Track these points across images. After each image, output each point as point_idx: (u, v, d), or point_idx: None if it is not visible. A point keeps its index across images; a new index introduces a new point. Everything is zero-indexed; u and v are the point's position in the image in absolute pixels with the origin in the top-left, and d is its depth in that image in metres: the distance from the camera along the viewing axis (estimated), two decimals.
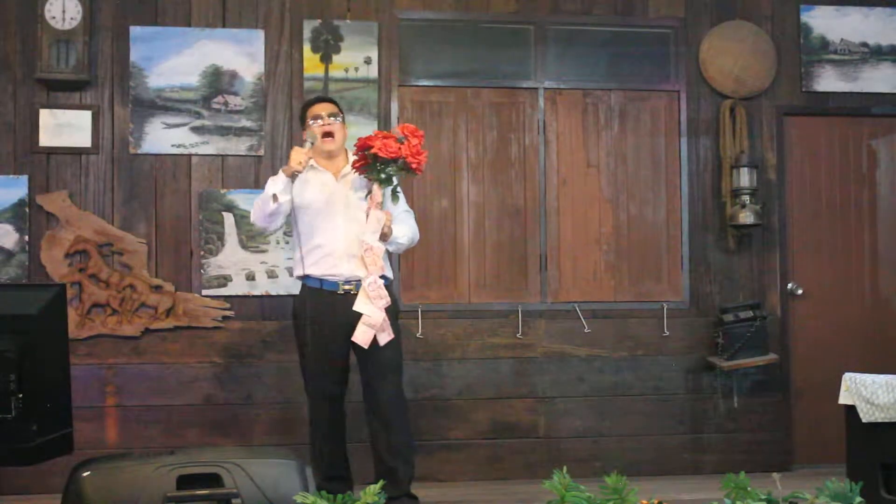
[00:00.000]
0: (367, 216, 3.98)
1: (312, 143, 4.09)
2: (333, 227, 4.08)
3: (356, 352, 4.08)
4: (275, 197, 3.99)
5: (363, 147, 3.97)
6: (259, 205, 4.10)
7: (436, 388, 5.20)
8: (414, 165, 3.97)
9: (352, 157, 4.11)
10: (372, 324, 3.97)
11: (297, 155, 3.99)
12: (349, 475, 4.19)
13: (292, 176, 4.00)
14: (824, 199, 5.70)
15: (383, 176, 3.96)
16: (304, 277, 4.14)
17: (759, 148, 5.59)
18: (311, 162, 4.12)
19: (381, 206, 4.00)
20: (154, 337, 5.07)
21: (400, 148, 3.92)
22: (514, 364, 5.33)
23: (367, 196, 4.02)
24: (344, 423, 4.18)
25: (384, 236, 4.00)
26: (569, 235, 5.44)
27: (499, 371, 5.32)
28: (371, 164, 3.97)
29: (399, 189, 4.09)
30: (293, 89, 5.27)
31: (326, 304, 4.06)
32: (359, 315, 3.99)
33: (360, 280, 4.03)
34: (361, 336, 3.97)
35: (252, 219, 4.24)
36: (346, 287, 4.05)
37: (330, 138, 4.15)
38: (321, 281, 4.09)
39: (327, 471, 4.10)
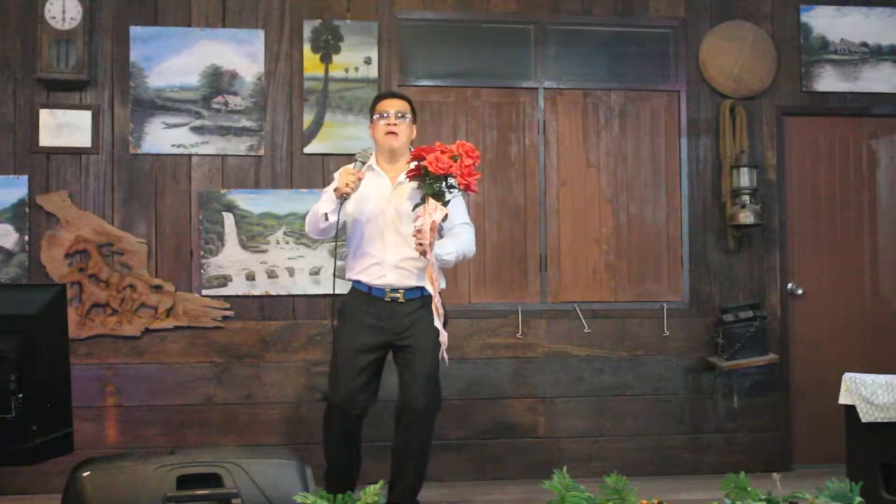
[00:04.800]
0: (416, 226, 3.85)
1: (364, 164, 4.00)
2: (382, 237, 4.03)
3: (398, 359, 4.06)
4: (326, 216, 3.96)
5: (417, 157, 3.89)
6: (312, 219, 4.06)
7: None
8: (462, 185, 3.86)
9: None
10: (443, 342, 3.91)
11: (346, 177, 3.91)
12: (356, 475, 4.15)
13: (342, 198, 3.92)
14: (824, 199, 5.70)
15: (431, 190, 3.85)
16: (355, 282, 4.11)
17: (759, 148, 5.59)
18: (372, 163, 4.07)
19: (443, 219, 3.87)
20: (154, 337, 5.07)
21: (451, 165, 3.81)
22: (514, 364, 5.34)
23: (415, 207, 3.91)
24: (359, 431, 4.09)
25: (423, 254, 3.87)
26: (569, 235, 5.45)
27: (499, 371, 5.32)
28: (422, 176, 3.88)
29: (447, 206, 3.92)
30: (293, 89, 5.27)
31: (373, 308, 4.03)
32: (403, 321, 4.00)
33: (406, 288, 4.01)
34: (445, 358, 3.95)
35: (306, 229, 4.19)
36: (393, 294, 4.02)
37: (394, 136, 4.08)
38: (370, 287, 4.05)
39: (336, 466, 4.07)
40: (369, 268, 4.04)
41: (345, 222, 4.10)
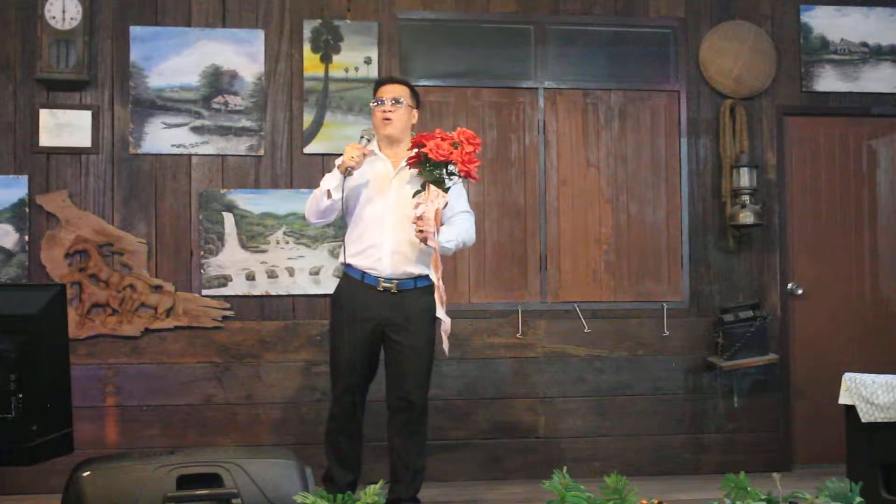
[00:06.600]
0: (416, 213, 3.84)
1: (369, 140, 4.01)
2: (381, 220, 4.00)
3: (387, 351, 4.05)
4: (329, 193, 3.93)
5: (417, 144, 3.88)
6: (313, 200, 4.04)
7: (436, 388, 5.18)
8: (463, 173, 3.85)
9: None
10: (447, 329, 3.92)
11: (351, 150, 3.91)
12: (358, 471, 4.16)
13: (347, 172, 3.91)
14: (824, 199, 5.70)
15: (432, 178, 3.85)
16: (347, 266, 4.05)
17: (759, 148, 5.59)
18: (374, 147, 4.05)
19: (444, 207, 3.87)
20: (154, 337, 5.07)
21: (452, 152, 3.81)
22: (514, 364, 5.34)
23: (415, 194, 3.90)
24: (361, 421, 4.10)
25: (423, 241, 3.87)
26: (569, 235, 5.45)
27: (499, 371, 5.32)
28: (422, 163, 3.87)
29: (448, 193, 3.92)
30: (293, 89, 5.27)
31: (365, 298, 3.98)
32: (395, 313, 3.97)
33: (401, 278, 3.98)
34: (446, 346, 3.95)
35: (306, 214, 4.14)
36: (387, 284, 3.98)
37: (388, 122, 4.05)
38: (363, 273, 4.00)
39: (339, 462, 4.07)
40: (366, 250, 4.00)
41: (347, 209, 4.06)
